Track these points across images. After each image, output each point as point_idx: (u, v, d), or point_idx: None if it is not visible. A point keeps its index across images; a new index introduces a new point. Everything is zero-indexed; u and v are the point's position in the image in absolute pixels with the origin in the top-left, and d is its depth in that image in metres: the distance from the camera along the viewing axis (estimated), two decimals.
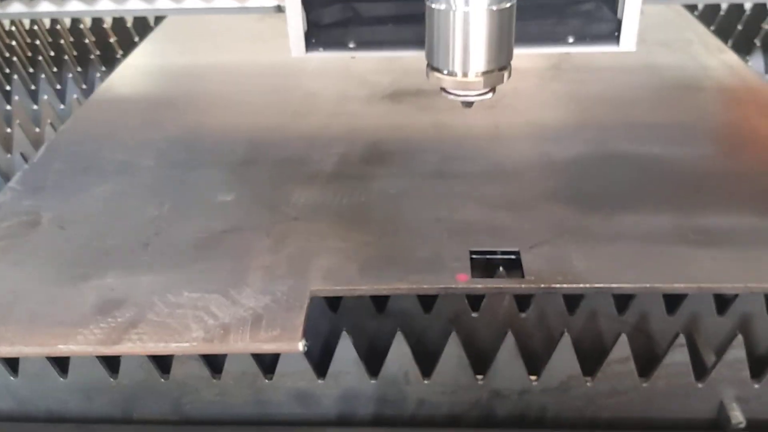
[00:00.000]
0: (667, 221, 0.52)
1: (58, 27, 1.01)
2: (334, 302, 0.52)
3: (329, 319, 0.52)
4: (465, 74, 0.41)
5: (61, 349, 0.43)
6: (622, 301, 0.50)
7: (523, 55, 0.73)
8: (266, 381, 0.47)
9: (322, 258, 0.50)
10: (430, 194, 0.57)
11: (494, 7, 0.40)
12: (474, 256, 0.49)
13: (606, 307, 0.50)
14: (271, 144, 0.66)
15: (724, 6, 0.97)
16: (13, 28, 1.01)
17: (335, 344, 0.47)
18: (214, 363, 0.47)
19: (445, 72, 0.42)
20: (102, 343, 0.43)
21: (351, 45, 0.52)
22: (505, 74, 0.42)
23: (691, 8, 0.97)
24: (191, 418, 0.48)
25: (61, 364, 0.48)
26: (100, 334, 0.44)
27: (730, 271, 0.47)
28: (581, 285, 0.46)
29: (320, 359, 0.48)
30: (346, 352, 0.46)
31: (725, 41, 0.87)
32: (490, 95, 0.43)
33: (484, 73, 0.42)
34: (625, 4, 0.44)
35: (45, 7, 0.61)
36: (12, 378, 0.48)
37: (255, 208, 0.56)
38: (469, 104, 0.44)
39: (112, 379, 0.47)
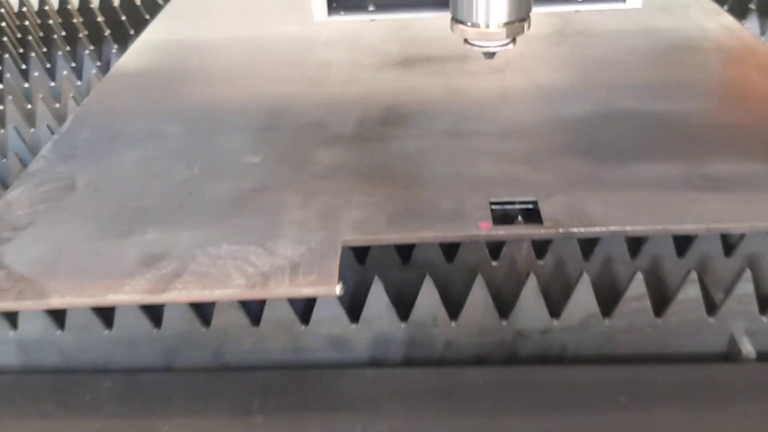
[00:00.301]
0: (675, 169, 0.55)
1: (69, 7, 1.03)
2: (361, 256, 0.54)
3: (357, 272, 0.54)
4: (488, 25, 0.44)
5: (111, 299, 0.46)
6: (635, 246, 0.53)
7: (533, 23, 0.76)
8: (302, 327, 0.50)
9: (351, 211, 0.52)
10: (448, 151, 0.60)
11: None
12: (494, 207, 0.52)
13: (619, 253, 0.52)
14: (291, 111, 0.68)
15: None
16: (24, 9, 1.03)
17: (363, 296, 0.50)
18: (253, 313, 0.50)
19: (469, 24, 0.44)
20: (149, 293, 0.46)
21: (370, 8, 0.55)
22: (525, 25, 0.45)
23: None
24: (230, 366, 0.51)
25: (105, 317, 0.50)
26: (145, 284, 0.47)
27: (736, 212, 0.49)
28: (597, 228, 0.49)
29: (349, 309, 0.51)
30: (377, 297, 0.49)
31: (722, 5, 0.90)
32: (511, 46, 0.46)
33: (506, 24, 0.44)
34: None
35: None
36: (59, 332, 0.51)
37: (282, 168, 0.59)
38: (491, 55, 0.46)
39: (155, 330, 0.50)
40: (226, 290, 0.46)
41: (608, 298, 0.50)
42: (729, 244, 0.53)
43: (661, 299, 0.49)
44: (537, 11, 0.52)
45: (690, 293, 0.47)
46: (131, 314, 0.49)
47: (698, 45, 0.77)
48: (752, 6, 0.93)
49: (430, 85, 0.72)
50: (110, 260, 0.49)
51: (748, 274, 0.47)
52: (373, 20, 0.55)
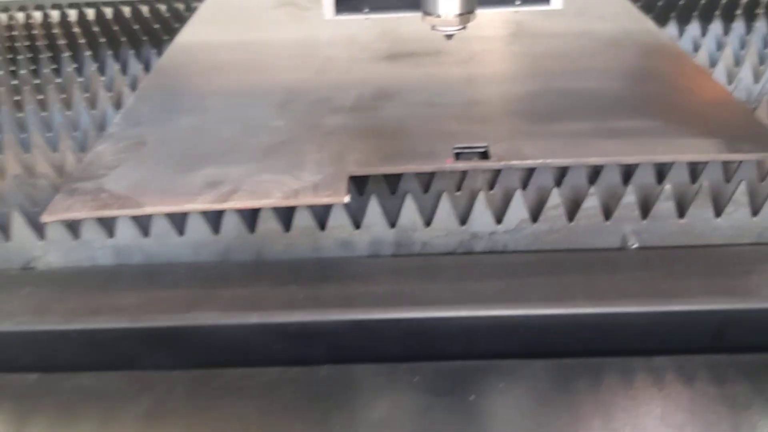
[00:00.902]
0: (589, 125, 0.76)
1: (108, 16, 1.23)
2: (360, 188, 0.74)
3: (358, 200, 0.74)
4: (447, 15, 0.65)
5: (188, 206, 0.66)
6: (559, 178, 0.73)
7: (488, 25, 0.98)
8: (321, 232, 0.69)
9: (353, 154, 0.72)
10: (424, 116, 0.80)
11: None
12: (456, 151, 0.73)
13: (547, 182, 0.73)
14: (304, 91, 0.88)
15: None
16: (69, 19, 1.23)
17: (363, 214, 0.69)
18: (285, 222, 0.70)
19: (434, 15, 0.65)
20: (214, 202, 0.66)
21: (366, 9, 0.75)
22: (471, 16, 0.66)
23: None
24: (268, 261, 0.70)
25: (178, 226, 0.70)
26: (211, 197, 0.67)
27: (630, 150, 0.70)
28: (528, 161, 0.70)
29: (354, 224, 0.70)
30: (373, 210, 0.69)
31: (648, 14, 1.12)
32: (463, 30, 0.66)
33: (459, 15, 0.65)
34: None
35: None
36: (144, 239, 0.70)
37: (300, 128, 0.79)
38: (449, 36, 0.67)
39: (214, 236, 0.70)
40: (270, 200, 0.66)
41: (537, 211, 0.70)
42: (627, 175, 0.73)
43: (574, 210, 0.70)
44: (486, 11, 0.74)
45: (591, 203, 0.68)
46: (198, 223, 0.69)
47: (621, 42, 0.99)
48: (673, 15, 1.15)
49: (412, 72, 0.92)
50: (183, 185, 0.69)
51: (630, 189, 0.67)
52: (367, 18, 0.75)
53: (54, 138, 0.90)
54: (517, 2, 0.73)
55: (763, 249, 0.67)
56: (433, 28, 0.67)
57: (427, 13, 0.66)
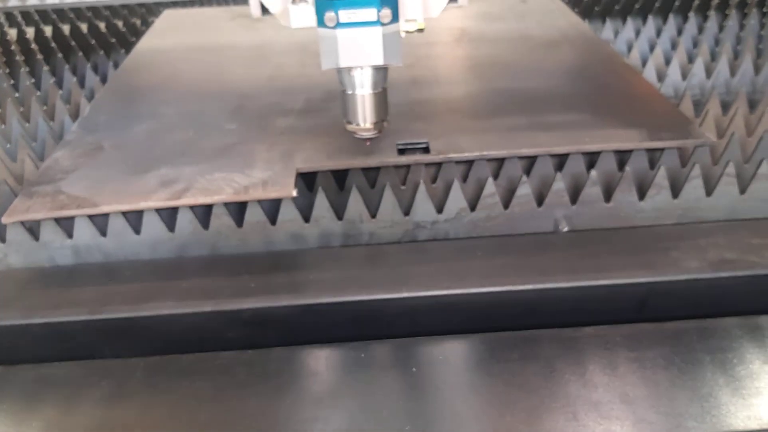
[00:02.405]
0: (524, 120, 0.81)
1: (65, 32, 1.26)
2: (309, 185, 0.78)
3: (307, 196, 0.78)
4: (364, 124, 0.72)
5: (143, 204, 0.69)
6: (497, 169, 0.78)
7: (432, 32, 1.03)
8: (272, 227, 0.73)
9: (302, 152, 0.77)
10: None
11: (375, 91, 0.71)
12: (399, 147, 0.77)
13: (485, 173, 0.77)
14: (257, 95, 0.92)
15: None
16: (27, 36, 1.26)
17: (312, 208, 0.73)
18: (237, 218, 0.73)
19: (354, 124, 0.73)
20: (168, 200, 0.70)
21: None
22: (385, 123, 0.72)
23: None
24: (223, 256, 0.73)
25: (135, 225, 0.73)
26: (165, 195, 0.70)
27: (560, 141, 0.75)
28: (465, 154, 0.74)
29: (303, 218, 0.74)
30: (321, 203, 0.73)
31: (584, 18, 1.18)
32: (375, 134, 0.73)
33: (374, 123, 0.72)
34: None
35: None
36: (102, 238, 0.73)
37: (252, 130, 0.83)
38: (367, 140, 0.74)
39: (170, 233, 0.73)
40: (221, 196, 0.69)
41: (475, 200, 0.75)
42: (561, 165, 0.78)
43: (509, 198, 0.74)
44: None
45: (524, 191, 0.72)
46: (154, 222, 0.72)
47: (557, 43, 1.05)
48: (608, 20, 1.21)
49: None
50: (138, 185, 0.72)
51: (559, 176, 0.72)
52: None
53: (13, 149, 0.93)
54: None
55: (684, 228, 0.72)
56: (354, 134, 0.74)
57: (348, 122, 0.73)
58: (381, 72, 0.71)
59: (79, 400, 0.59)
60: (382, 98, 0.72)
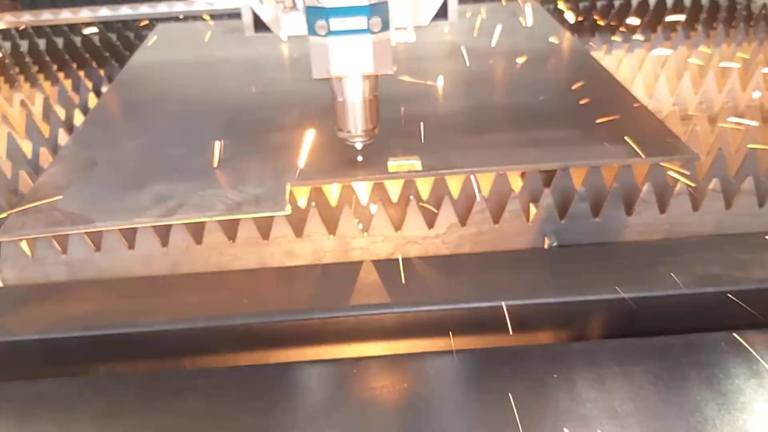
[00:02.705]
0: (513, 136, 0.82)
1: (59, 46, 1.27)
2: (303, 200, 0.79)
3: (301, 213, 0.79)
4: (356, 131, 0.73)
5: (137, 221, 0.70)
6: (486, 186, 0.79)
7: (422, 47, 1.04)
8: (265, 242, 0.74)
9: (294, 168, 0.78)
10: None
11: (366, 99, 0.72)
12: (391, 163, 0.78)
13: (473, 191, 0.78)
14: (249, 110, 0.93)
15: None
16: (22, 49, 1.27)
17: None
18: (230, 233, 0.74)
19: (345, 131, 0.73)
20: (162, 216, 0.70)
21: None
22: (376, 130, 0.73)
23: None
24: (215, 271, 0.74)
25: (129, 240, 0.73)
26: (158, 212, 0.71)
27: (549, 157, 0.77)
28: (456, 170, 0.75)
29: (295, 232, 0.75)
30: (314, 219, 0.73)
31: (573, 34, 1.20)
32: (366, 142, 0.74)
33: (364, 131, 0.73)
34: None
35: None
36: (96, 253, 0.74)
37: (245, 145, 0.84)
38: (357, 149, 0.75)
39: (163, 248, 0.74)
40: (214, 213, 0.70)
41: (466, 215, 0.75)
42: (549, 180, 0.79)
43: (500, 213, 0.75)
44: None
45: (514, 206, 0.73)
46: (147, 237, 0.73)
47: (546, 57, 1.06)
48: (597, 34, 1.23)
49: None
50: (132, 201, 0.73)
51: (546, 192, 0.73)
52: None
53: (7, 164, 0.93)
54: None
55: (671, 243, 0.74)
56: (345, 141, 0.75)
57: (339, 129, 0.74)
58: (372, 80, 0.72)
59: (74, 416, 0.59)
60: (373, 106, 0.73)
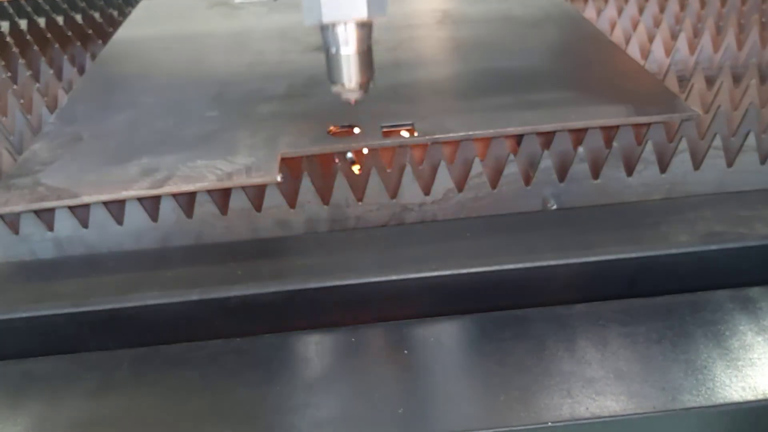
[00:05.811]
0: (509, 99, 0.80)
1: (41, 25, 1.24)
2: (294, 171, 0.77)
3: (293, 183, 0.77)
4: (350, 84, 0.69)
5: (124, 194, 0.68)
6: (482, 151, 0.77)
7: (416, 13, 1.02)
8: (257, 214, 0.72)
9: (285, 137, 0.75)
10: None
11: (360, 50, 0.68)
12: (384, 129, 0.76)
13: (472, 155, 0.77)
14: (237, 82, 0.91)
15: None
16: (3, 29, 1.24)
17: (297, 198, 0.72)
18: (222, 205, 0.72)
19: (339, 84, 0.70)
20: (150, 188, 0.68)
21: None
22: (371, 83, 0.70)
23: None
24: (208, 244, 0.72)
25: (117, 215, 0.71)
26: (146, 184, 0.69)
27: (546, 119, 0.75)
28: (451, 134, 0.73)
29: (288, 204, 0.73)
30: (306, 187, 0.71)
31: None
32: (361, 95, 0.71)
33: (359, 83, 0.70)
34: None
35: None
36: (84, 229, 0.72)
37: (234, 117, 0.82)
38: (350, 102, 0.72)
39: (153, 223, 0.72)
40: (204, 183, 0.68)
41: (463, 181, 0.74)
42: (548, 143, 0.78)
43: (497, 178, 0.73)
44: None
45: (512, 169, 0.72)
46: (136, 212, 0.71)
47: (540, 23, 1.04)
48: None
49: None
50: (119, 174, 0.71)
51: (546, 154, 0.71)
52: (276, 1, 0.78)
53: None
54: None
55: (672, 202, 0.72)
56: (340, 95, 0.71)
57: (333, 82, 0.71)
58: (365, 29, 0.69)
59: (66, 394, 0.58)
60: (367, 58, 0.70)
